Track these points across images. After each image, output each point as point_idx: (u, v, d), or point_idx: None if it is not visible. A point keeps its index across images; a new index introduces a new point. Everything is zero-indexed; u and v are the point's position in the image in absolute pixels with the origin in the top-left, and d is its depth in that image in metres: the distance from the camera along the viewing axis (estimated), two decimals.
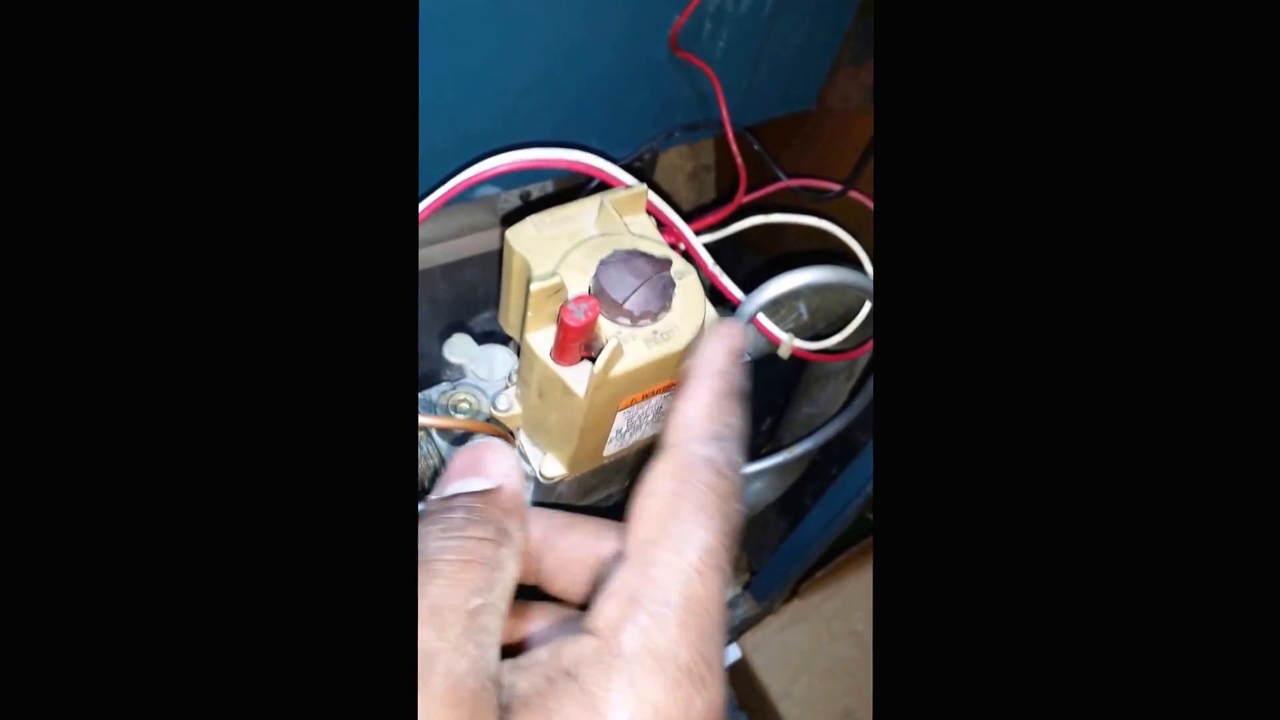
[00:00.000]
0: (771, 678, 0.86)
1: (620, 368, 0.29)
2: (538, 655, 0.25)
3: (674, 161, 0.76)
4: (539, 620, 0.31)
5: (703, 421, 0.28)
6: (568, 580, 0.30)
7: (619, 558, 0.26)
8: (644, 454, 0.40)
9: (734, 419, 0.29)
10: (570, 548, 0.30)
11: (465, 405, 0.35)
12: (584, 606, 0.30)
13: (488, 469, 0.28)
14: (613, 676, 0.24)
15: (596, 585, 0.28)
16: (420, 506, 0.29)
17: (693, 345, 0.30)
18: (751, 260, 0.65)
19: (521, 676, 0.24)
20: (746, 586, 0.94)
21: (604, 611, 0.25)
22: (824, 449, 0.64)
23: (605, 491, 0.41)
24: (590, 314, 0.29)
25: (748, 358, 0.41)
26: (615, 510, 0.35)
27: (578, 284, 0.31)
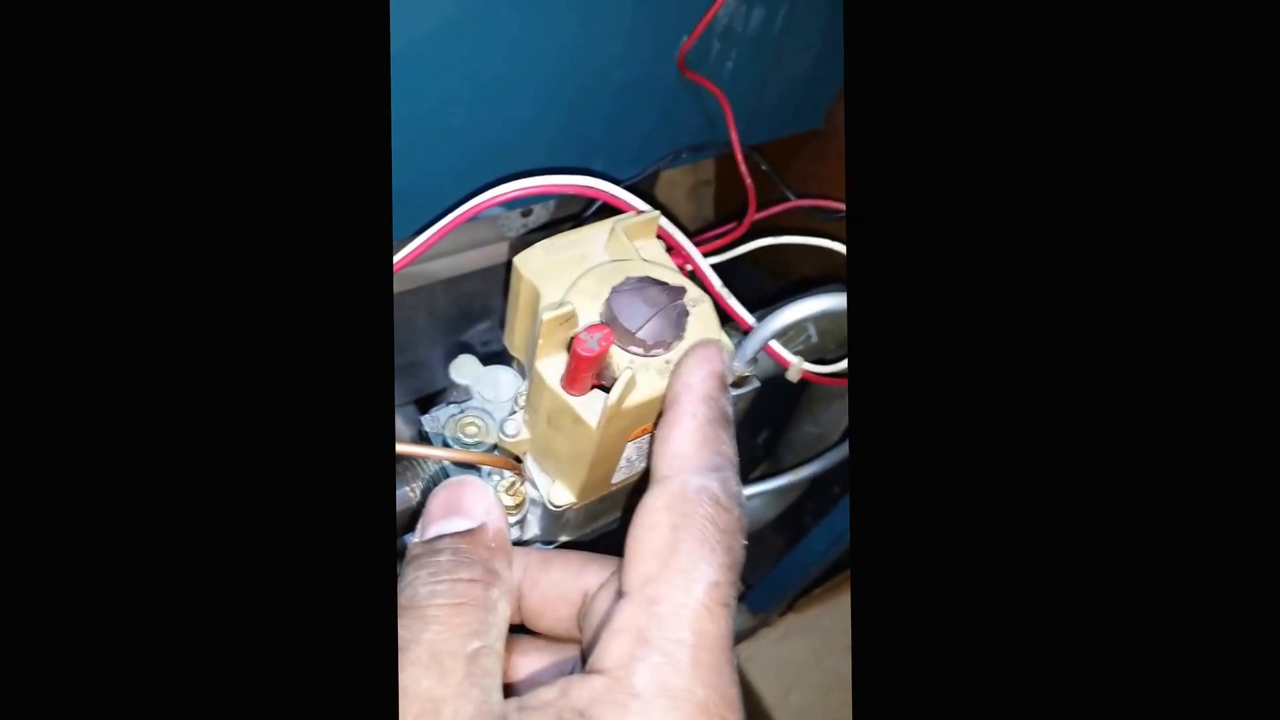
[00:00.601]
0: (766, 688, 0.85)
1: (633, 399, 0.29)
2: (544, 694, 0.24)
3: (674, 177, 0.75)
4: (531, 657, 0.31)
5: (696, 451, 0.27)
6: (553, 617, 0.30)
7: (619, 594, 0.26)
8: (647, 480, 0.39)
9: (727, 447, 0.28)
10: (551, 584, 0.30)
11: (473, 430, 0.35)
12: (576, 643, 0.30)
13: (468, 508, 0.28)
14: (627, 716, 0.23)
15: (591, 621, 0.28)
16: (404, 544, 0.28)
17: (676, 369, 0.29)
18: (758, 279, 0.65)
19: (530, 717, 0.24)
20: (742, 598, 0.93)
21: (611, 650, 0.24)
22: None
23: (611, 517, 0.40)
24: (603, 344, 0.28)
25: (756, 383, 0.40)
26: (613, 536, 0.34)
27: (588, 311, 0.30)
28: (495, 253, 0.50)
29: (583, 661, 0.28)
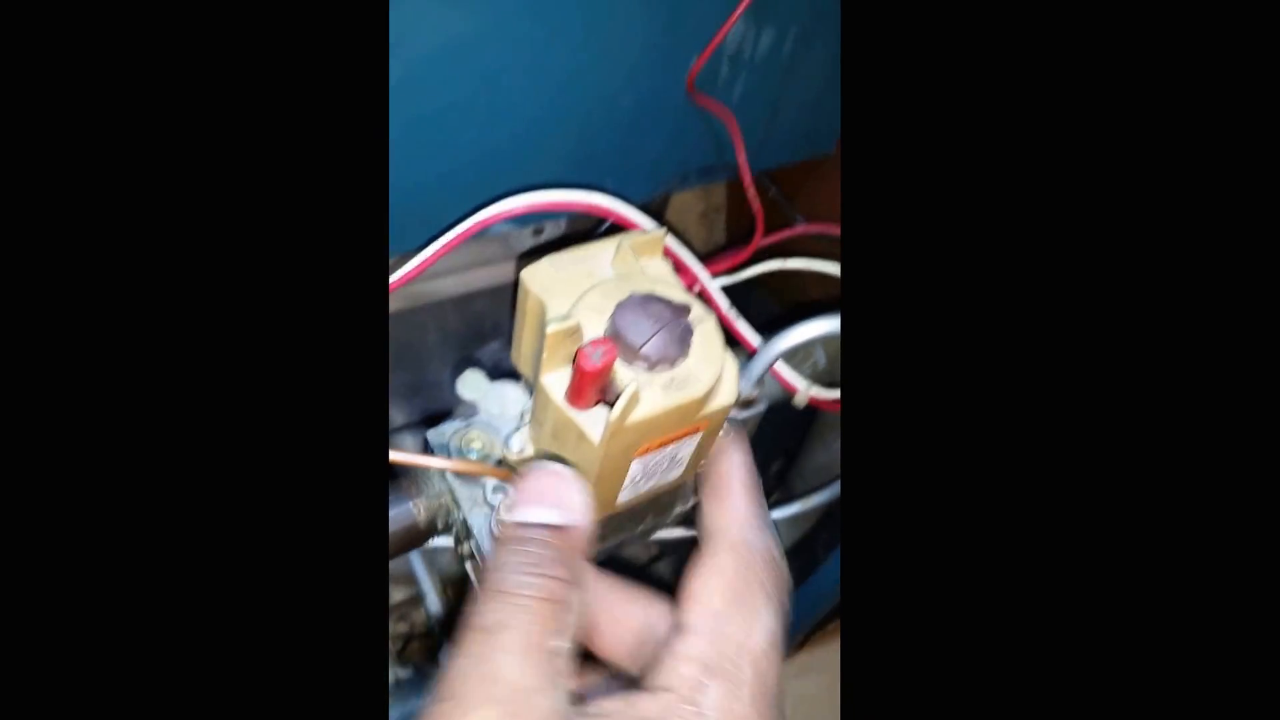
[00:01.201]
0: None
1: (637, 415, 0.29)
2: (609, 705, 0.26)
3: (685, 202, 0.76)
4: (586, 677, 0.32)
5: (753, 513, 0.30)
6: (613, 641, 0.31)
7: (681, 626, 0.28)
8: (655, 502, 0.39)
9: (770, 520, 0.31)
10: (625, 613, 0.32)
11: (478, 444, 0.35)
12: (625, 674, 0.31)
13: (565, 502, 0.28)
14: None
15: (654, 650, 0.29)
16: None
17: (710, 455, 0.32)
18: (766, 303, 0.64)
19: None
20: None
21: (679, 672, 0.26)
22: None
23: (617, 539, 0.40)
24: (607, 358, 0.28)
25: (763, 405, 0.40)
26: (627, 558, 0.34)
27: (594, 326, 0.30)
28: (506, 271, 0.50)
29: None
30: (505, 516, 0.28)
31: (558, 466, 0.29)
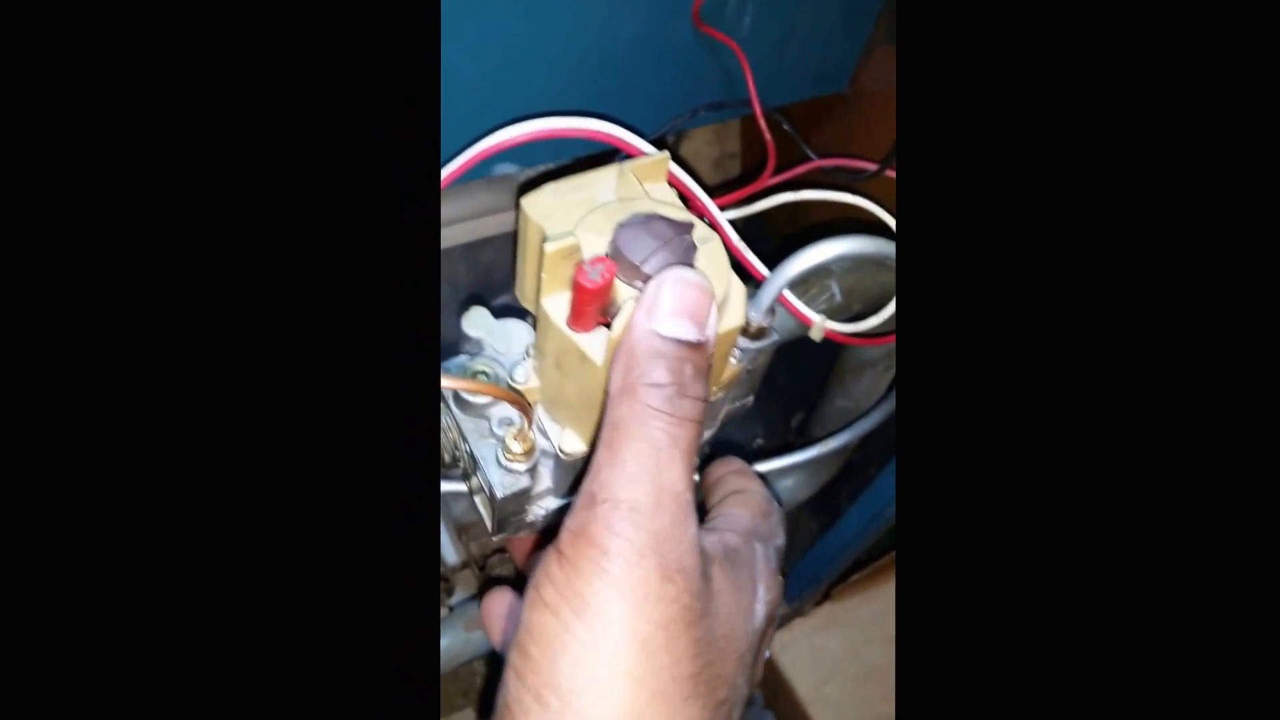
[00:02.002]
0: (801, 679, 0.84)
1: None
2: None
3: (699, 149, 0.75)
4: None
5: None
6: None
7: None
8: None
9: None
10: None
11: (484, 375, 0.34)
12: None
13: (703, 320, 0.27)
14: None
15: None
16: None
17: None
18: (778, 244, 0.63)
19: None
20: None
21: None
22: (860, 446, 0.62)
23: None
24: (606, 275, 0.27)
25: (775, 336, 0.39)
26: None
27: (595, 248, 0.30)
28: (514, 218, 0.49)
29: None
30: (652, 325, 0.27)
31: (695, 275, 0.28)
